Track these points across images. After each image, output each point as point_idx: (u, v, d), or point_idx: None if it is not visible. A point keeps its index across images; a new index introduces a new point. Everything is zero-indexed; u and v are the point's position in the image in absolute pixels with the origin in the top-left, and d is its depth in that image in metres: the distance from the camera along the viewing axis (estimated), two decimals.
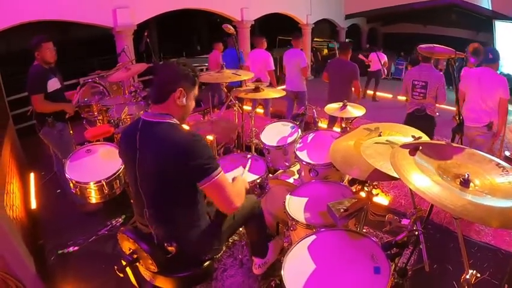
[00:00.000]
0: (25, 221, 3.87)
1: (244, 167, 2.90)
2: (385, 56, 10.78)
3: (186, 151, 1.81)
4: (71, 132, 4.25)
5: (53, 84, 3.81)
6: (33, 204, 4.39)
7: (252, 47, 9.79)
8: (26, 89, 3.78)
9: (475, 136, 4.37)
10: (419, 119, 4.63)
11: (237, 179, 2.27)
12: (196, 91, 2.02)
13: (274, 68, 6.93)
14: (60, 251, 3.49)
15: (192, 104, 2.03)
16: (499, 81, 4.16)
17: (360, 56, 10.94)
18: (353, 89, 5.79)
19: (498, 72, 4.36)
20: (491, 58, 4.23)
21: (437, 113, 4.75)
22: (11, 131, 5.49)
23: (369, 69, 10.75)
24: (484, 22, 13.87)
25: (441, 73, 4.64)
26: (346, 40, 15.73)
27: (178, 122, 1.96)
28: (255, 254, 2.76)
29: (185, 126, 2.20)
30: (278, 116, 7.16)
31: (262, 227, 2.65)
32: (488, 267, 3.04)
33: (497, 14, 12.78)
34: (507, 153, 5.86)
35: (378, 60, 10.43)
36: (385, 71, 10.58)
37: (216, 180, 1.86)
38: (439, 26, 17.07)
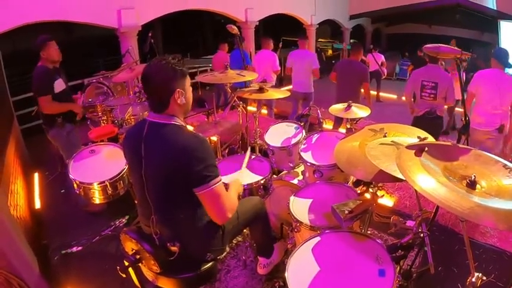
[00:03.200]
0: (29, 221, 3.87)
1: (242, 165, 2.84)
2: (382, 56, 10.73)
3: (190, 154, 1.80)
4: (77, 135, 4.22)
5: (59, 85, 3.81)
6: (37, 204, 4.40)
7: (257, 47, 9.81)
8: (33, 90, 3.77)
9: (484, 140, 4.33)
10: (430, 120, 4.58)
11: (230, 187, 2.24)
12: (189, 80, 1.99)
13: (280, 69, 6.94)
14: (63, 251, 3.49)
15: (191, 94, 2.02)
16: (511, 82, 4.13)
17: (363, 57, 10.92)
18: (362, 90, 5.75)
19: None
20: (508, 61, 4.21)
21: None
22: (15, 131, 5.50)
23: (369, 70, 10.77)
24: (489, 22, 13.79)
25: (449, 74, 4.60)
26: (351, 41, 15.69)
27: (183, 124, 1.96)
28: (260, 253, 2.75)
29: (189, 127, 2.19)
30: (282, 117, 7.15)
31: (266, 227, 2.64)
32: (493, 270, 3.02)
33: (502, 14, 12.70)
34: None
35: (374, 61, 10.43)
36: (384, 71, 10.54)
37: (213, 190, 1.85)
38: (443, 26, 16.98)
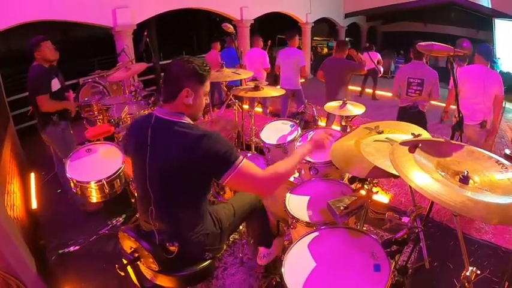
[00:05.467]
0: (26, 221, 3.87)
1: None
2: (378, 54, 10.80)
3: (202, 150, 1.79)
4: (71, 132, 4.22)
5: (55, 84, 3.81)
6: (34, 204, 4.40)
7: (253, 46, 9.82)
8: (29, 90, 3.76)
9: (468, 133, 4.37)
10: (412, 115, 4.62)
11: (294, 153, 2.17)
12: (206, 88, 1.98)
13: (270, 66, 6.99)
14: (61, 251, 3.50)
15: (202, 102, 1.99)
16: (496, 79, 4.17)
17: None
18: (354, 87, 5.77)
19: (497, 70, 4.38)
20: (492, 56, 4.24)
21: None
22: (11, 132, 5.49)
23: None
24: (484, 20, 13.86)
25: (434, 70, 4.62)
26: (346, 39, 15.72)
27: (191, 122, 1.94)
28: (261, 243, 2.73)
29: None
30: (276, 115, 7.18)
31: (265, 218, 2.64)
32: (488, 265, 3.05)
33: (497, 12, 12.75)
34: (507, 151, 5.85)
35: (370, 60, 10.48)
36: (381, 69, 10.59)
37: (238, 171, 1.81)
38: (439, 25, 17.06)
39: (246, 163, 1.85)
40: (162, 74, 2.07)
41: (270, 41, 9.70)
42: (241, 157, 1.85)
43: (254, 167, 1.89)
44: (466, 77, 4.35)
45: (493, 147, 4.60)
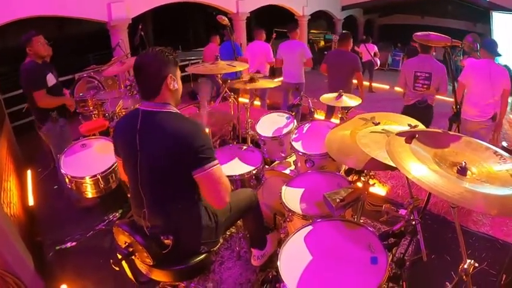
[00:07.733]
0: (22, 218, 3.86)
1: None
2: (375, 46, 10.81)
3: (189, 139, 1.80)
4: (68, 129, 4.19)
5: (50, 79, 3.78)
6: (31, 201, 4.38)
7: (249, 39, 9.76)
8: (24, 86, 3.74)
9: (477, 129, 4.33)
10: (421, 110, 4.56)
11: None
12: (179, 71, 2.01)
13: (274, 60, 6.90)
14: (58, 247, 3.49)
15: (181, 84, 2.02)
16: (504, 73, 4.14)
17: (355, 48, 10.98)
18: (355, 81, 5.74)
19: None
20: (497, 50, 4.21)
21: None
22: (7, 129, 5.45)
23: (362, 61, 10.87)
24: (481, 13, 13.81)
25: (442, 64, 4.57)
26: (344, 31, 15.70)
27: (178, 111, 1.96)
28: (254, 245, 2.75)
29: None
30: (275, 108, 7.14)
31: (259, 218, 2.64)
32: (486, 257, 3.05)
33: (494, 5, 12.71)
34: (504, 144, 5.85)
35: (367, 52, 10.47)
36: (377, 61, 10.59)
37: (211, 172, 1.83)
38: (436, 17, 16.97)
39: (217, 170, 1.87)
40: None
41: (274, 34, 9.64)
42: (215, 161, 1.87)
43: (223, 176, 1.93)
44: (472, 72, 4.31)
45: (498, 141, 4.56)
